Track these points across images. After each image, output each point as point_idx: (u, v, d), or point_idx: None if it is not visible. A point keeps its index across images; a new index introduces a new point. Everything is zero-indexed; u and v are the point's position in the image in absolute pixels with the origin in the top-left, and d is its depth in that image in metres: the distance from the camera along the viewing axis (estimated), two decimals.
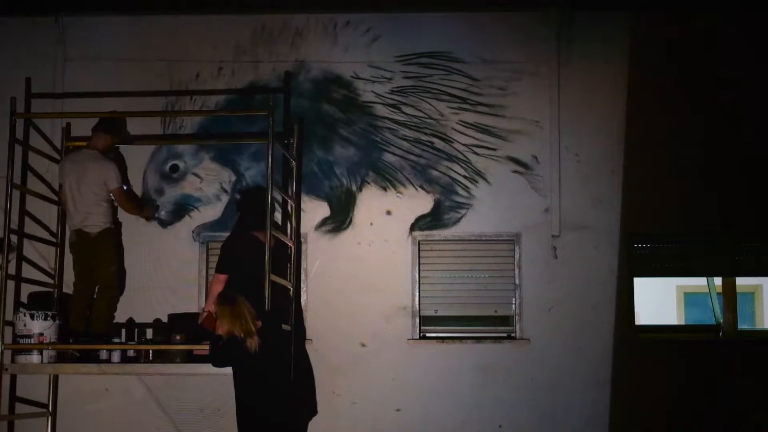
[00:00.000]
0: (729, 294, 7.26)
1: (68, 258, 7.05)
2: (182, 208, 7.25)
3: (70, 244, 6.71)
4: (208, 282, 6.96)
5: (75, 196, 6.61)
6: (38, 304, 6.77)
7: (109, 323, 6.68)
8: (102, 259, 6.63)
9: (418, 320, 7.11)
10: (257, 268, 5.90)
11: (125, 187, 6.94)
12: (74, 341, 6.45)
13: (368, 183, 7.25)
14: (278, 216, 7.02)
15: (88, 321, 6.58)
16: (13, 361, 6.23)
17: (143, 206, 7.08)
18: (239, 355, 5.57)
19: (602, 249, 7.10)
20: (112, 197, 6.68)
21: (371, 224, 7.22)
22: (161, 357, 6.24)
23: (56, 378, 6.81)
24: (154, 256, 7.18)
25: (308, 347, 6.99)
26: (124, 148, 7.21)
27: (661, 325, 8.25)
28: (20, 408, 6.98)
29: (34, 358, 6.15)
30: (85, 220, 6.59)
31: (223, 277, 6.32)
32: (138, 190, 7.27)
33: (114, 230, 6.82)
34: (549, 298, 7.07)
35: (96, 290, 6.65)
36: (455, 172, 7.22)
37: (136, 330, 7.03)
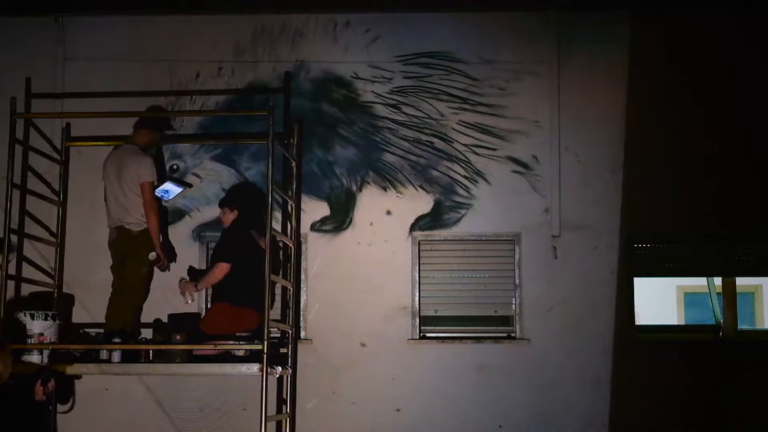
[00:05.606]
0: (729, 294, 7.25)
1: (69, 258, 7.07)
2: (182, 208, 7.25)
3: (110, 242, 6.65)
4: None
5: (115, 192, 6.60)
6: (38, 304, 6.76)
7: (132, 323, 6.61)
8: (136, 258, 6.60)
9: (418, 320, 7.10)
10: (254, 264, 6.20)
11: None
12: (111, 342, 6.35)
13: (368, 183, 7.25)
14: (278, 216, 7.02)
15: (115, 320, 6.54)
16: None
17: (159, 233, 6.62)
18: None
19: (602, 249, 7.10)
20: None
21: (371, 224, 7.21)
22: (161, 357, 6.24)
23: None
24: None
25: (308, 347, 7.00)
26: None
27: (661, 325, 8.24)
28: None
29: (34, 358, 6.14)
30: (126, 216, 6.57)
31: (226, 267, 6.41)
32: None
33: None
34: (549, 298, 7.06)
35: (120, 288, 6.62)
36: (455, 172, 7.22)
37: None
